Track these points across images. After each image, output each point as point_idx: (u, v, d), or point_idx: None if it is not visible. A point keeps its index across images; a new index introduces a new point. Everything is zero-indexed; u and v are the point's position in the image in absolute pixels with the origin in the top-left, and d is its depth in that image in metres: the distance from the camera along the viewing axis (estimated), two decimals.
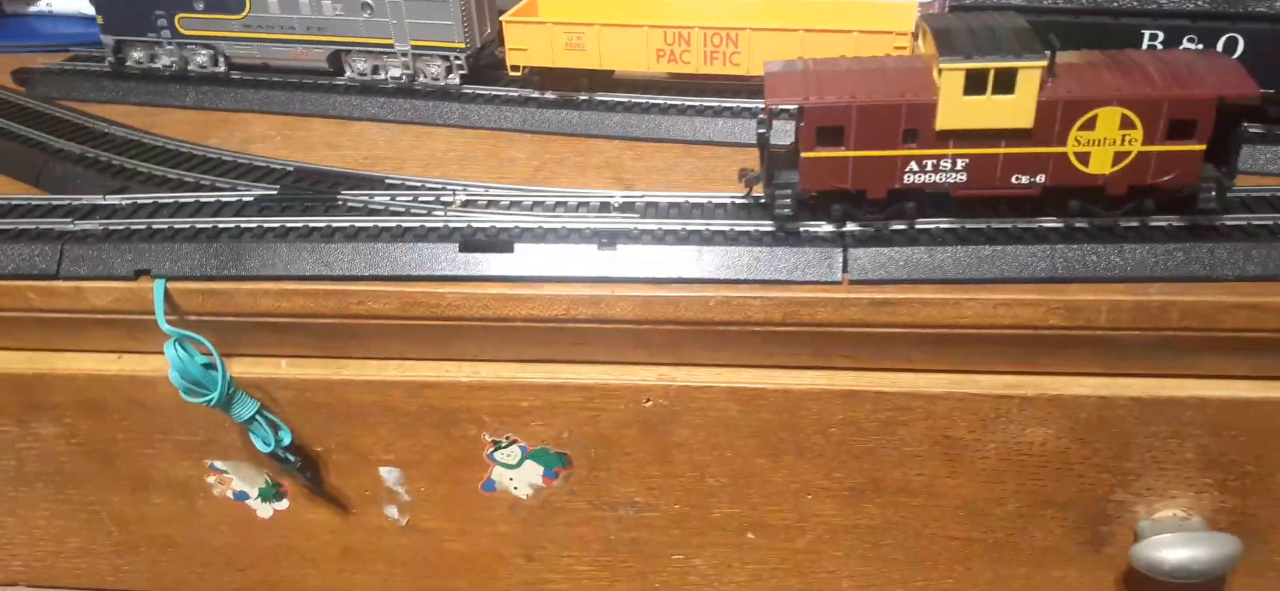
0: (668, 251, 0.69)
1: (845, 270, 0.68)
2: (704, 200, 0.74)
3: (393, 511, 0.82)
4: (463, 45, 0.92)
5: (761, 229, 0.70)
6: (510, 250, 0.70)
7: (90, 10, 1.19)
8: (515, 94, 0.93)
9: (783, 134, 0.68)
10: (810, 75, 0.66)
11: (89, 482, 0.83)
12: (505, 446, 0.78)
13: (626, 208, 0.73)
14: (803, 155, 0.65)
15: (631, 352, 0.73)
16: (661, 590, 0.84)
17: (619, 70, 0.90)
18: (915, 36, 0.74)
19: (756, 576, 0.82)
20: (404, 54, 0.94)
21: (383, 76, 0.96)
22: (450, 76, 0.94)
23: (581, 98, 0.92)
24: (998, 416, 0.72)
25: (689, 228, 0.70)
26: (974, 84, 0.62)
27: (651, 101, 0.90)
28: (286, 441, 0.75)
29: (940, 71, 0.62)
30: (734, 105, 0.88)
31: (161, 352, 0.76)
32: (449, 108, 0.93)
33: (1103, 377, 0.71)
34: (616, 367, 0.74)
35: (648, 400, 0.74)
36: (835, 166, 0.65)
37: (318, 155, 0.88)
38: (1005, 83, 0.62)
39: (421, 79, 0.95)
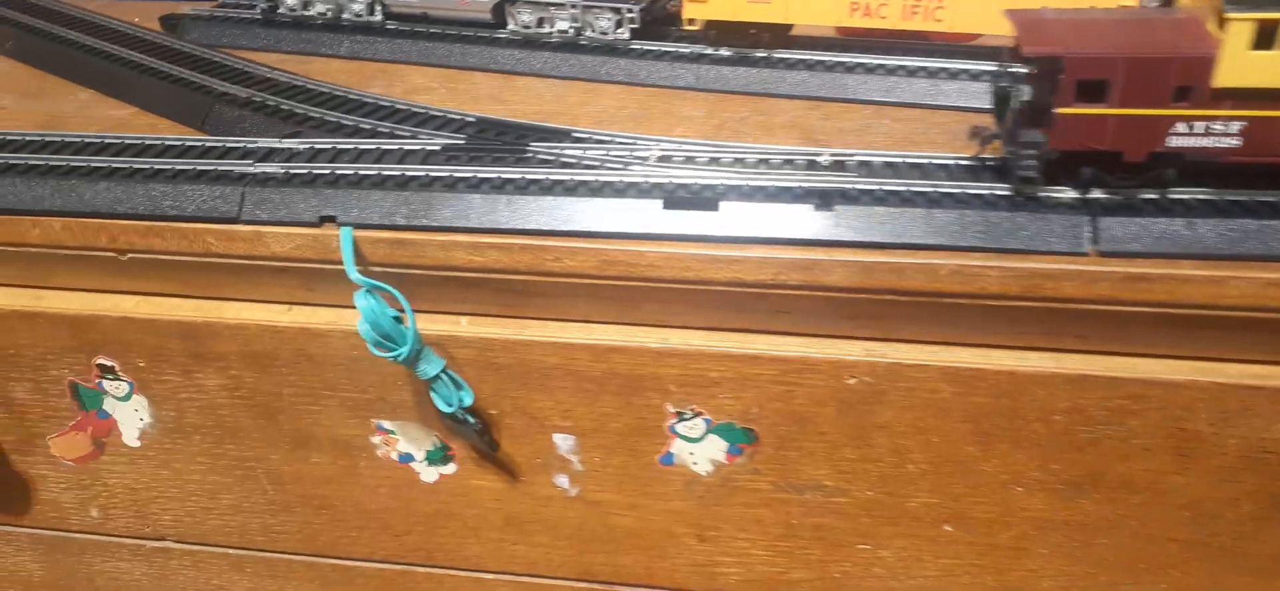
0: (890, 213, 0.64)
1: (1094, 241, 0.62)
2: (924, 160, 0.68)
3: (563, 481, 0.78)
4: None
5: (997, 192, 0.64)
6: (715, 208, 0.65)
7: None
8: (687, 50, 0.88)
9: (1029, 87, 0.62)
10: (1068, 24, 0.60)
11: (249, 438, 0.80)
12: (689, 418, 0.73)
13: (838, 166, 0.68)
14: (1057, 111, 0.59)
15: (837, 324, 0.68)
16: (841, 581, 0.79)
17: (802, 24, 0.84)
18: None
19: (948, 572, 0.77)
20: (573, 6, 0.89)
21: (548, 30, 0.91)
22: (620, 31, 0.89)
23: (759, 55, 0.86)
24: (1243, 409, 0.66)
25: (914, 188, 0.65)
26: (1264, 37, 0.55)
27: (837, 59, 0.85)
28: (468, 402, 0.71)
29: (1224, 21, 0.55)
30: (931, 64, 0.82)
31: (334, 305, 0.73)
32: (617, 64, 0.89)
33: None
34: (819, 340, 0.69)
35: (851, 377, 0.69)
36: (1094, 125, 0.59)
37: (485, 108, 0.84)
38: None
39: (588, 33, 0.90)
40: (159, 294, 0.76)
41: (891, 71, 0.83)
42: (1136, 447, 0.68)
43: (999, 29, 0.79)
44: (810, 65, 0.85)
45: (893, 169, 0.68)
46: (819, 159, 0.69)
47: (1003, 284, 0.62)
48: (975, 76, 0.81)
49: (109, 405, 0.80)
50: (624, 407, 0.73)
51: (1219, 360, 0.65)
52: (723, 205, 0.65)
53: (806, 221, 0.64)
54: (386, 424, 0.77)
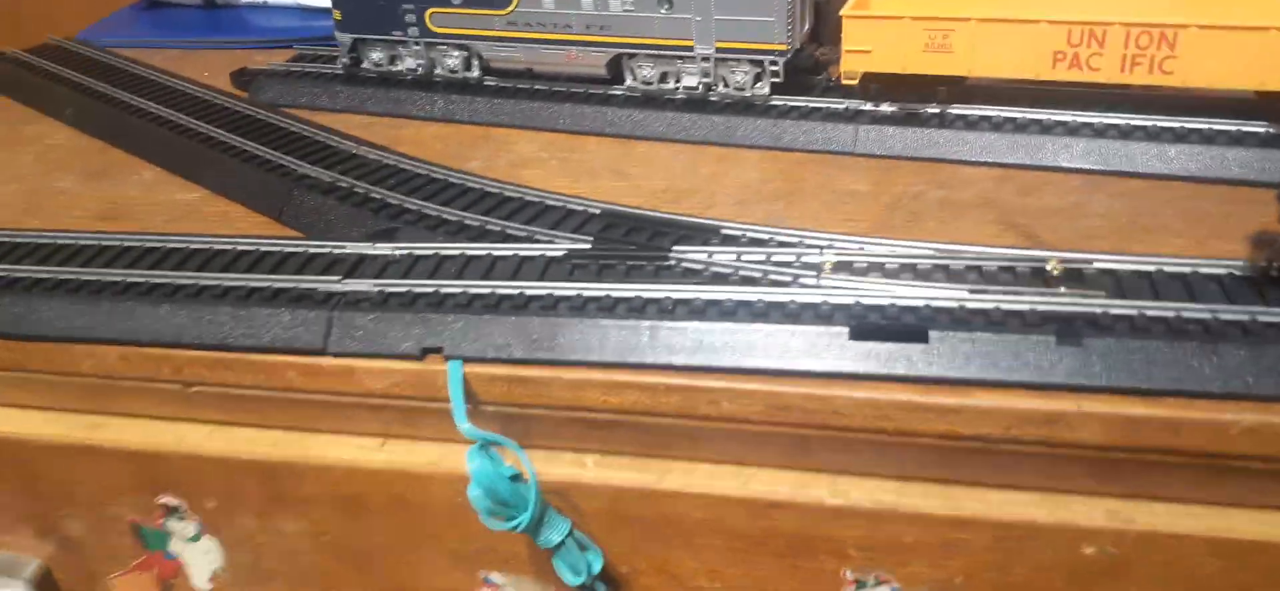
0: (1158, 350, 0.49)
1: None
2: (1189, 269, 0.53)
3: None
4: (783, 47, 0.73)
5: None
6: (924, 340, 0.51)
7: (310, 0, 1.07)
8: (841, 107, 0.74)
9: None
10: None
11: (338, 587, 0.68)
12: (872, 587, 0.59)
13: (1073, 278, 0.53)
14: None
15: (1076, 481, 0.53)
16: None
17: (990, 77, 0.69)
18: None
19: None
20: (705, 58, 0.75)
21: (672, 85, 0.78)
22: (759, 85, 0.75)
23: (932, 111, 0.72)
24: None
25: (1186, 315, 0.50)
26: None
27: (1031, 116, 0.69)
28: (597, 568, 0.58)
29: None
30: (1150, 123, 0.67)
31: (436, 439, 0.61)
32: (755, 125, 0.75)
33: None
34: (1049, 498, 0.54)
35: (1089, 546, 0.54)
36: None
37: (604, 185, 0.71)
38: None
39: (721, 88, 0.77)
40: (232, 424, 0.64)
41: (1100, 131, 0.68)
42: None
43: (1245, 83, 0.64)
44: (997, 124, 0.70)
45: (1149, 283, 0.52)
46: (1047, 267, 0.54)
47: None
48: (1209, 137, 0.66)
49: (175, 546, 0.69)
50: (789, 571, 0.60)
51: None
52: (933, 334, 0.51)
53: (1046, 359, 0.50)
54: (496, 577, 0.65)
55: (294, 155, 0.75)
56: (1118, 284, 0.53)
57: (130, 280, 0.61)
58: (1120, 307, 0.50)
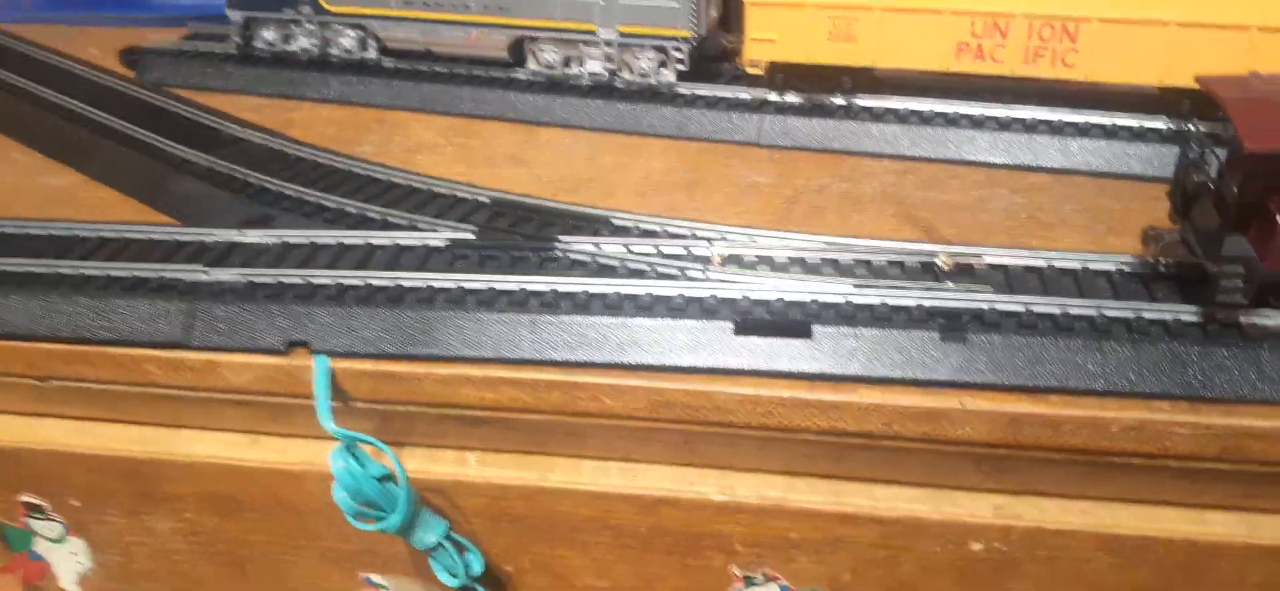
0: (1043, 347, 0.48)
1: None
2: (1078, 264, 0.52)
3: None
4: (688, 33, 0.71)
5: (1183, 318, 0.48)
6: (807, 334, 0.50)
7: None
8: (748, 96, 0.72)
9: (1239, 181, 0.46)
10: None
11: (213, 589, 0.65)
12: (760, 583, 0.58)
13: (964, 272, 0.52)
14: None
15: (962, 477, 0.52)
16: None
17: (895, 68, 0.68)
18: None
19: None
20: (608, 43, 0.73)
21: (577, 70, 0.75)
22: (664, 72, 0.73)
23: (837, 102, 0.70)
24: None
25: (1071, 310, 0.49)
26: None
27: (936, 109, 0.68)
28: (477, 570, 0.56)
29: None
30: (1054, 117, 0.66)
31: (310, 436, 0.58)
32: (661, 113, 0.73)
33: None
34: (936, 493, 0.53)
35: (977, 543, 0.53)
36: None
37: (502, 173, 0.68)
38: None
39: (625, 75, 0.74)
40: (94, 419, 0.61)
41: (1005, 125, 0.67)
42: None
43: (1146, 77, 0.63)
44: (902, 116, 0.69)
45: (1038, 278, 0.51)
46: (937, 260, 0.52)
47: (1195, 445, 0.47)
48: (1111, 133, 0.65)
49: (40, 547, 0.65)
50: (677, 569, 0.58)
51: None
52: (816, 330, 0.50)
53: (930, 355, 0.48)
54: (377, 578, 0.62)
55: (173, 139, 0.71)
56: (1007, 279, 0.52)
57: None
58: (1007, 303, 0.49)
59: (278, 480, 0.59)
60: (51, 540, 0.65)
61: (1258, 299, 0.46)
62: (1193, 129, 0.48)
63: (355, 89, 0.80)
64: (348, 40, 0.80)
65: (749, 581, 0.58)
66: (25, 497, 0.63)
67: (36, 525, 0.64)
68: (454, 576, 0.55)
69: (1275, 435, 0.46)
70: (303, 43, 0.82)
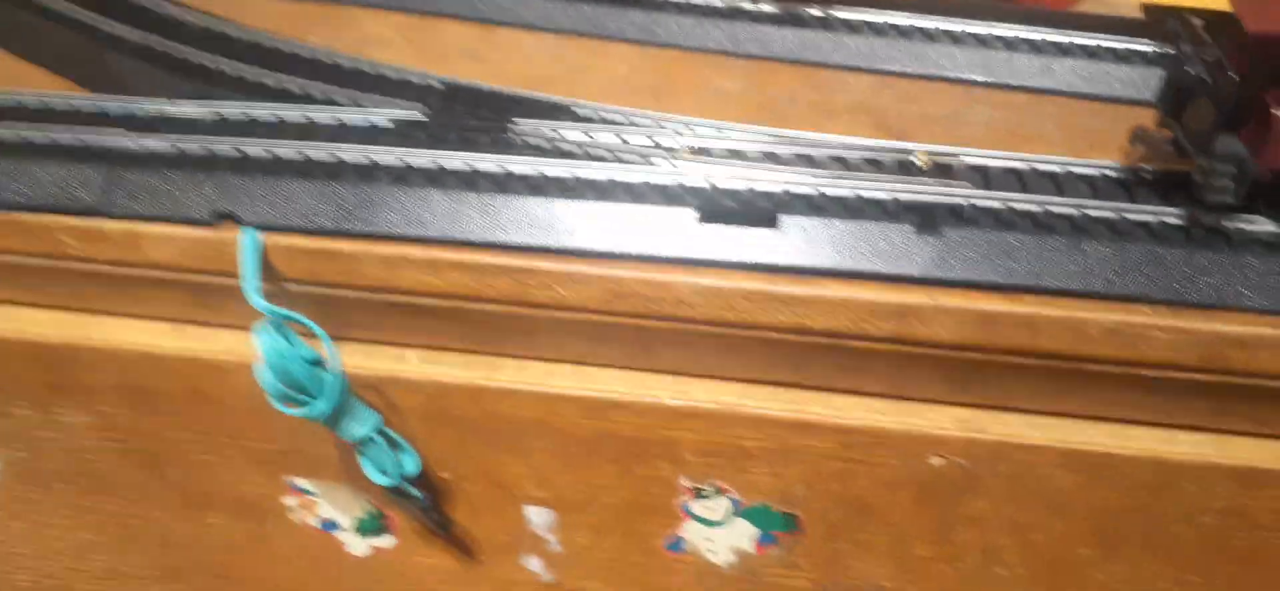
0: (1022, 243, 0.46)
1: None
2: (1061, 167, 0.50)
3: (535, 564, 0.60)
4: None
5: (1168, 220, 0.46)
6: (773, 224, 0.47)
7: None
8: (720, 3, 0.69)
9: (1230, 81, 0.44)
10: None
11: (126, 490, 0.61)
12: (709, 496, 0.55)
13: (941, 171, 0.49)
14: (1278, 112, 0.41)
15: (926, 387, 0.50)
16: None
17: None
18: None
19: None
20: None
21: None
22: None
23: (814, 13, 0.67)
24: None
25: (1052, 209, 0.46)
26: None
27: (915, 23, 0.66)
28: (412, 470, 0.53)
29: None
30: (1037, 36, 0.64)
31: (237, 326, 0.54)
32: (629, 17, 0.69)
33: None
34: (898, 405, 0.51)
35: (937, 456, 0.51)
36: None
37: (458, 68, 0.64)
38: None
39: None
40: (4, 301, 0.56)
41: (984, 42, 0.64)
42: None
43: None
44: (880, 29, 0.66)
45: (1018, 178, 0.49)
46: (913, 158, 0.50)
47: (1174, 351, 0.45)
48: (1094, 54, 0.63)
49: None
50: (623, 478, 0.55)
51: None
52: (784, 220, 0.47)
53: (903, 250, 0.46)
54: (304, 482, 0.58)
55: (105, 14, 0.66)
56: (986, 179, 0.49)
57: None
58: (985, 200, 0.47)
59: (201, 371, 0.55)
60: None
61: (1248, 202, 0.45)
62: (1174, 28, 0.46)
63: None
64: None
65: (698, 493, 0.55)
66: None
67: None
68: (385, 475, 0.51)
69: (1256, 343, 0.44)
70: None
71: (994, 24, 0.64)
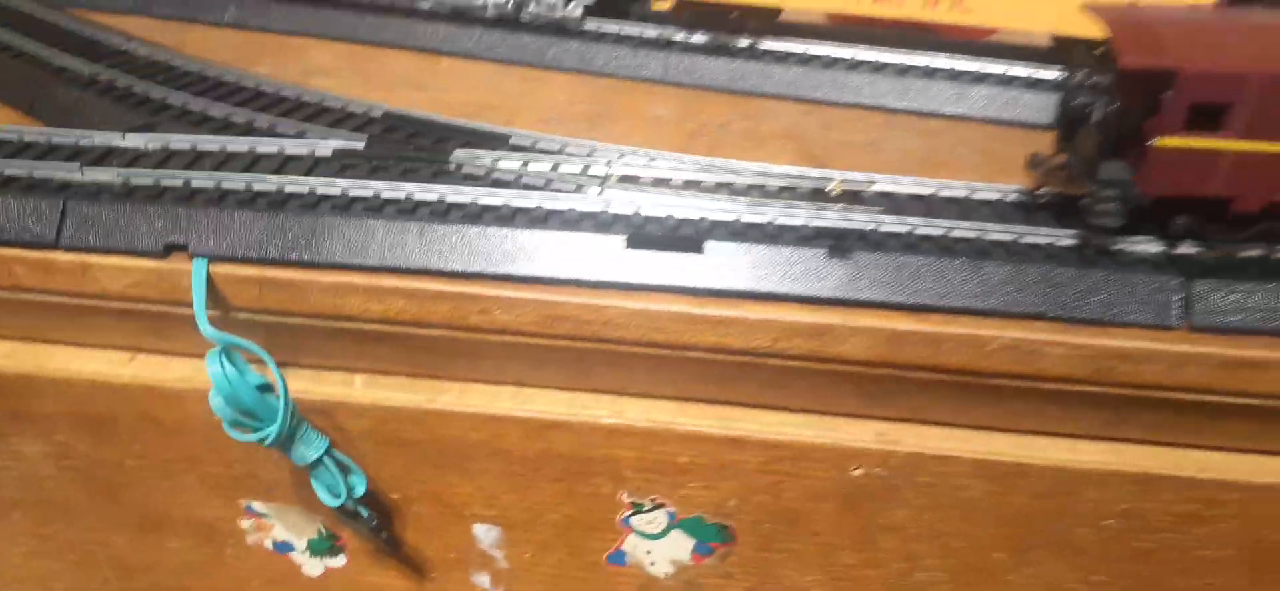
0: (926, 266, 0.49)
1: (1186, 312, 0.47)
2: (965, 193, 0.53)
3: (484, 580, 0.63)
4: None
5: (1060, 242, 0.49)
6: (698, 250, 0.50)
7: None
8: (654, 34, 0.72)
9: (1114, 112, 0.47)
10: (1176, 28, 0.45)
11: (85, 516, 0.63)
12: (647, 510, 0.58)
13: (852, 197, 0.53)
14: (1155, 143, 0.44)
15: (845, 402, 0.53)
16: None
17: (801, 10, 0.68)
18: None
19: None
20: None
21: (481, 1, 0.74)
22: (570, 6, 0.73)
23: (742, 44, 0.71)
24: None
25: (955, 233, 0.50)
26: None
27: (837, 53, 0.69)
28: (360, 491, 0.55)
29: None
30: (953, 65, 0.67)
31: (191, 353, 0.56)
32: (566, 47, 0.73)
33: None
34: (820, 420, 0.54)
35: (857, 467, 0.54)
36: (1203, 162, 0.45)
37: (399, 98, 0.67)
38: None
39: (531, 8, 0.74)
40: None
41: (903, 71, 0.68)
42: (1202, 560, 0.55)
43: (1042, 23, 0.65)
44: (805, 60, 0.70)
45: (924, 204, 0.52)
46: (828, 186, 0.53)
47: (1067, 366, 0.48)
48: (1007, 81, 0.67)
49: None
50: (565, 495, 0.58)
51: None
52: (708, 246, 0.50)
53: (816, 272, 0.49)
54: (258, 505, 0.60)
55: (54, 47, 0.68)
56: (895, 204, 0.53)
57: None
58: (892, 224, 0.50)
59: (155, 399, 0.57)
60: None
61: (1131, 224, 0.48)
62: (1079, 59, 0.50)
63: (254, 13, 0.78)
64: None
65: (637, 508, 0.58)
66: None
67: None
68: (335, 496, 0.53)
69: (1142, 356, 0.48)
70: None
71: (913, 54, 0.68)
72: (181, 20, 0.79)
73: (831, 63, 0.69)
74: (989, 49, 0.68)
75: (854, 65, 0.69)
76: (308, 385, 0.55)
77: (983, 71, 0.67)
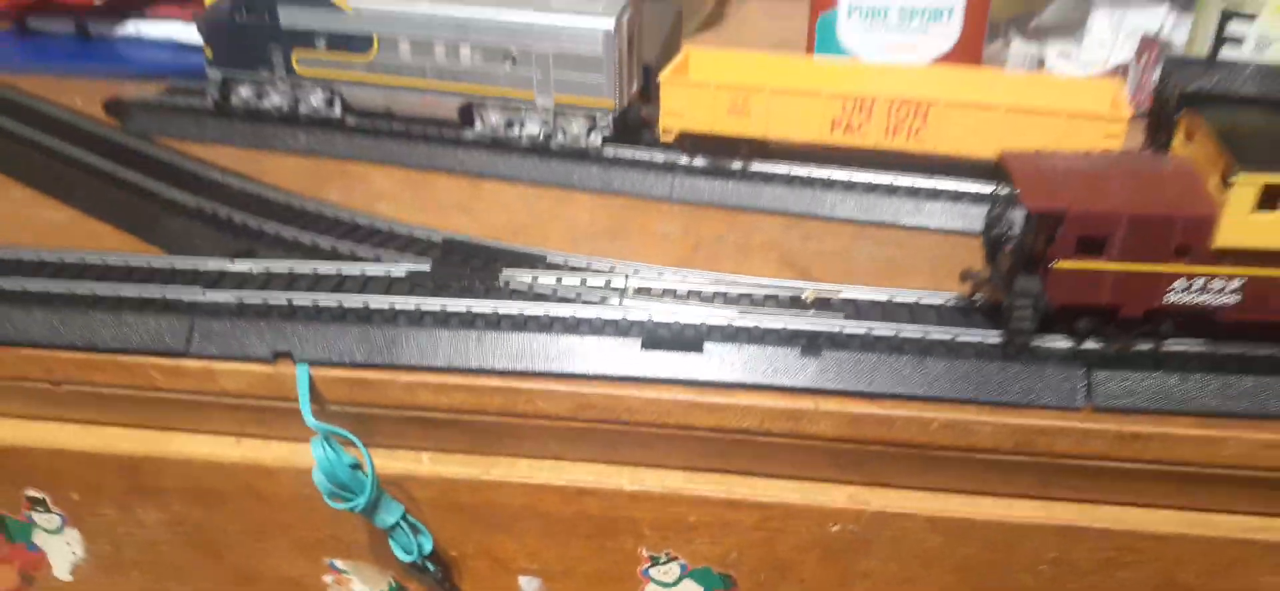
0: (880, 361, 0.61)
1: (1088, 396, 0.60)
2: (913, 300, 0.65)
3: None
4: (611, 104, 0.84)
5: (989, 341, 0.62)
6: (698, 350, 0.62)
7: (179, 35, 1.12)
8: (662, 159, 0.85)
9: (1026, 239, 0.60)
10: (1068, 175, 0.58)
11: (193, 576, 0.75)
12: (663, 562, 0.70)
13: (823, 304, 0.65)
14: (1054, 266, 0.57)
15: (823, 469, 0.65)
16: None
17: (782, 139, 0.82)
18: (1154, 127, 0.66)
19: None
20: (545, 110, 0.86)
21: (517, 132, 0.88)
22: (592, 136, 0.86)
23: (735, 167, 0.84)
24: (1235, 562, 0.64)
25: (903, 334, 0.62)
26: (1269, 199, 0.54)
27: (815, 175, 0.82)
28: (428, 549, 0.67)
29: (1230, 184, 0.54)
30: (912, 183, 0.80)
31: (286, 438, 0.69)
32: (589, 171, 0.86)
33: None
34: (802, 484, 0.66)
35: (835, 524, 0.66)
36: (1091, 280, 0.57)
37: (452, 219, 0.80)
38: None
39: (559, 137, 0.87)
40: (98, 422, 0.71)
41: (871, 188, 0.81)
42: None
43: (981, 150, 0.78)
44: (788, 180, 0.82)
45: (881, 309, 0.65)
46: (803, 295, 0.66)
47: (995, 439, 0.60)
48: (957, 197, 0.79)
49: (39, 539, 0.74)
50: (595, 551, 0.70)
51: (1210, 511, 0.63)
52: (707, 346, 0.62)
53: (793, 367, 0.61)
54: (340, 563, 0.72)
55: (162, 181, 0.81)
56: (857, 309, 0.65)
57: (4, 289, 0.67)
58: (853, 328, 0.62)
59: (256, 475, 0.69)
60: (49, 532, 0.74)
61: (1043, 326, 0.60)
62: (998, 192, 0.62)
63: (321, 142, 0.91)
64: (316, 99, 0.92)
65: (654, 561, 0.70)
66: (30, 492, 0.72)
67: (37, 518, 0.73)
68: (408, 553, 0.65)
69: (1055, 432, 0.59)
70: (275, 100, 0.93)
71: (878, 174, 0.81)
72: (258, 149, 0.92)
73: (810, 182, 0.82)
74: (942, 168, 0.81)
75: (829, 184, 0.82)
76: (385, 462, 0.68)
77: (936, 188, 0.80)
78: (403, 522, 0.65)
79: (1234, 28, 0.80)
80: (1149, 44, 0.97)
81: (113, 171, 0.84)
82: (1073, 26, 1.02)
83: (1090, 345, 0.61)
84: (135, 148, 0.89)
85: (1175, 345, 0.61)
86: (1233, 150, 0.55)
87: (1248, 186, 0.54)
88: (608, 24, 0.81)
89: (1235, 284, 0.57)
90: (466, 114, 0.89)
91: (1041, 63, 1.01)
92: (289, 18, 0.87)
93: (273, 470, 0.69)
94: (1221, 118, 0.58)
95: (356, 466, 0.63)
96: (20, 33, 1.18)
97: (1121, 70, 0.98)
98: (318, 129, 0.92)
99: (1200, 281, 0.57)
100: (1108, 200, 0.56)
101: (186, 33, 1.11)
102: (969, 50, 0.88)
